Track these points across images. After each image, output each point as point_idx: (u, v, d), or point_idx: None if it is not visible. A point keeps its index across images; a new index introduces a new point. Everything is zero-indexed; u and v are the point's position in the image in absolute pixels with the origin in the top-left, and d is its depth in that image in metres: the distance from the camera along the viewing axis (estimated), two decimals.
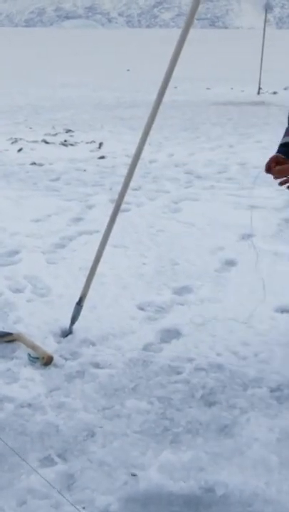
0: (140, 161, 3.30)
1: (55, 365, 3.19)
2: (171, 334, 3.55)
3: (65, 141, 9.84)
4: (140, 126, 3.47)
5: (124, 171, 3.65)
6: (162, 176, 7.36)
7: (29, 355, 3.24)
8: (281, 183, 3.06)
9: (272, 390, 2.98)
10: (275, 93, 16.81)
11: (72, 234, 5.25)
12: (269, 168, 3.07)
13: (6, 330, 3.51)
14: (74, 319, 3.52)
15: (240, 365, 3.20)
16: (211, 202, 6.24)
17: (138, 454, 2.54)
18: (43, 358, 3.19)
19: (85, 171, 7.74)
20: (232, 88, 18.26)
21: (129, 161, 3.43)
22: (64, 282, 4.23)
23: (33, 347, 3.29)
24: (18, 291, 4.13)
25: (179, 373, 3.13)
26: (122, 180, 3.39)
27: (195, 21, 3.12)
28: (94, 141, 9.71)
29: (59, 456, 2.53)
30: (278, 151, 3.13)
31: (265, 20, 17.81)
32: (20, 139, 9.87)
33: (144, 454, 2.54)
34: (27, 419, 2.76)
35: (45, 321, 3.66)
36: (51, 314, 3.74)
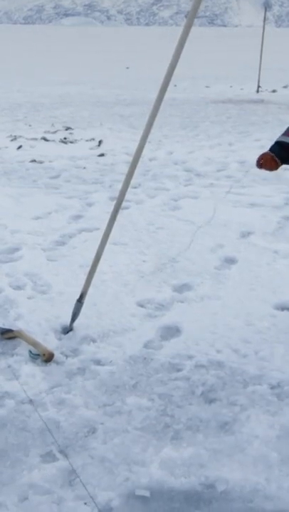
0: (140, 159, 3.30)
1: (56, 362, 3.20)
2: (171, 331, 3.56)
3: (65, 138, 9.84)
4: (139, 124, 3.48)
5: (124, 169, 3.66)
6: (162, 174, 7.37)
7: (30, 352, 3.25)
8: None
9: (272, 387, 2.99)
10: (274, 91, 16.81)
11: (73, 231, 5.26)
12: (260, 165, 3.37)
13: (7, 327, 3.52)
14: (74, 316, 3.53)
15: (240, 362, 3.21)
16: (210, 200, 6.24)
17: (139, 451, 2.55)
18: (44, 354, 3.20)
19: (84, 168, 7.74)
20: (231, 86, 18.26)
21: (128, 158, 3.44)
22: (64, 279, 4.24)
23: (34, 344, 3.30)
24: (18, 288, 4.14)
25: (179, 370, 3.15)
26: (122, 177, 3.40)
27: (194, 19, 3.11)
28: (93, 139, 9.71)
29: (60, 452, 2.55)
30: (271, 149, 3.38)
31: (265, 19, 17.81)
32: (20, 136, 9.87)
33: (145, 450, 2.55)
34: (28, 416, 2.77)
35: (45, 318, 3.67)
36: (52, 311, 3.75)
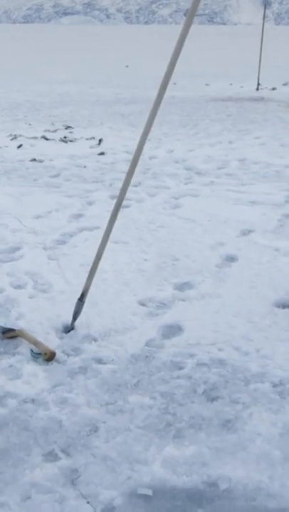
0: (140, 157, 3.30)
1: (58, 361, 3.20)
2: (172, 330, 3.56)
3: (65, 137, 9.83)
4: (139, 123, 3.48)
5: (124, 167, 3.66)
6: (162, 172, 7.36)
7: (31, 351, 3.25)
8: None
9: (274, 385, 2.99)
10: (274, 89, 16.79)
11: (73, 230, 5.26)
12: None
13: (8, 326, 3.52)
14: (76, 315, 3.52)
15: (242, 360, 3.21)
16: (210, 198, 6.24)
17: (141, 449, 2.55)
18: (46, 353, 3.20)
19: (85, 167, 7.74)
20: (231, 84, 18.24)
21: (129, 157, 3.44)
22: (65, 278, 4.23)
23: (36, 343, 3.30)
24: (19, 287, 4.13)
25: (181, 369, 3.14)
26: (122, 176, 3.39)
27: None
28: (93, 138, 9.70)
29: (63, 451, 2.54)
30: None
31: (264, 16, 17.79)
32: (20, 135, 9.87)
33: (147, 449, 2.55)
34: (30, 415, 2.77)
35: (47, 317, 3.66)
36: (53, 310, 3.75)
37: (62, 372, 3.11)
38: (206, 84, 18.34)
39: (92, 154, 8.53)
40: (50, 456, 2.52)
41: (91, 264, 3.50)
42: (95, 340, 3.42)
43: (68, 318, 3.55)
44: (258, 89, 16.58)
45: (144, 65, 24.78)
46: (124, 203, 3.94)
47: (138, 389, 2.97)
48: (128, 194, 3.65)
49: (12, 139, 9.55)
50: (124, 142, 9.10)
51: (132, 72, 23.06)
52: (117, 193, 3.38)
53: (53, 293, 4.03)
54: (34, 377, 3.05)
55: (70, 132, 10.34)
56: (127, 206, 5.75)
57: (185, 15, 3.12)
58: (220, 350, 3.31)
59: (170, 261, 4.55)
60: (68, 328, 3.52)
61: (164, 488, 2.35)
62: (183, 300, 3.93)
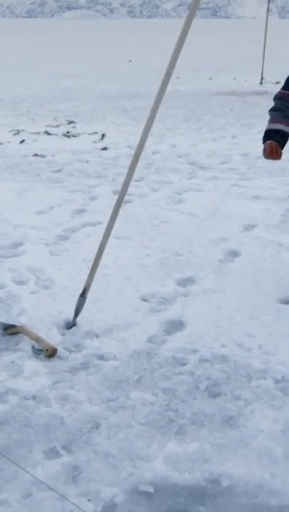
0: (143, 152, 3.28)
1: (59, 357, 3.19)
2: (175, 326, 3.54)
3: (68, 132, 9.81)
4: (142, 117, 3.45)
5: (127, 162, 3.64)
6: (165, 167, 7.34)
7: (33, 347, 3.24)
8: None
9: (277, 382, 2.97)
10: (277, 83, 16.69)
11: (76, 225, 5.24)
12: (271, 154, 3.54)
13: (10, 322, 3.51)
14: (78, 311, 3.51)
15: (244, 356, 3.19)
16: (214, 192, 6.21)
17: (143, 446, 2.54)
18: (47, 350, 3.19)
19: (87, 162, 7.71)
20: (235, 78, 18.17)
21: (131, 152, 3.42)
22: (67, 274, 4.22)
23: (37, 339, 3.29)
24: (21, 283, 4.12)
25: (183, 365, 3.13)
26: (125, 171, 3.37)
27: (196, 11, 3.08)
28: (96, 133, 9.67)
29: (64, 448, 2.53)
30: (274, 139, 3.54)
31: (268, 10, 17.71)
32: (23, 130, 9.85)
33: (149, 445, 2.54)
34: (31, 412, 2.76)
35: (48, 313, 3.65)
36: (55, 306, 3.74)
37: (64, 369, 3.10)
38: (210, 79, 18.27)
39: (94, 149, 8.51)
40: (52, 454, 2.51)
41: (93, 260, 3.49)
42: (97, 336, 3.41)
43: (70, 315, 3.54)
44: (261, 83, 16.52)
45: (148, 60, 24.70)
46: (127, 198, 3.93)
47: (140, 385, 2.96)
48: (131, 189, 3.63)
49: (15, 134, 9.54)
50: (127, 137, 9.07)
51: (135, 66, 23.00)
52: (120, 188, 3.36)
53: (54, 289, 4.01)
54: (35, 374, 3.04)
55: (73, 127, 10.32)
56: (130, 201, 5.73)
57: (189, 8, 3.09)
58: (222, 346, 3.29)
59: (173, 256, 4.53)
60: (70, 325, 3.51)
61: (166, 485, 2.34)
62: (185, 296, 3.91)
